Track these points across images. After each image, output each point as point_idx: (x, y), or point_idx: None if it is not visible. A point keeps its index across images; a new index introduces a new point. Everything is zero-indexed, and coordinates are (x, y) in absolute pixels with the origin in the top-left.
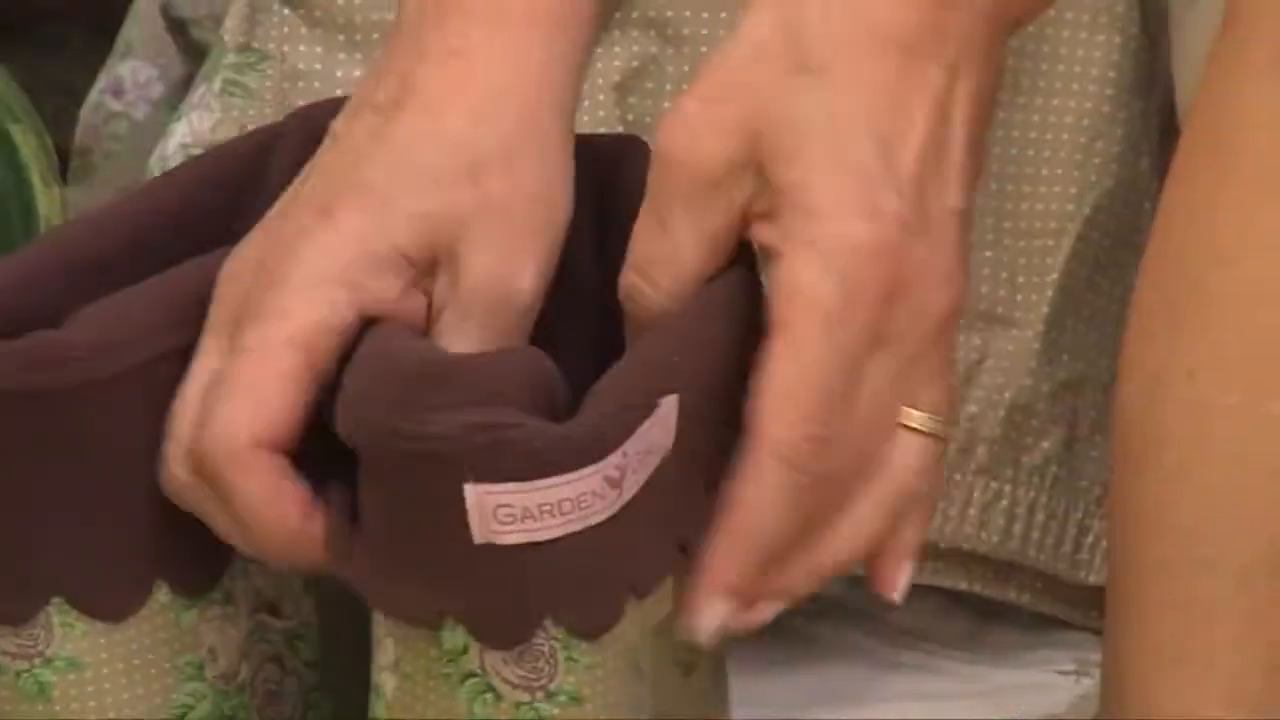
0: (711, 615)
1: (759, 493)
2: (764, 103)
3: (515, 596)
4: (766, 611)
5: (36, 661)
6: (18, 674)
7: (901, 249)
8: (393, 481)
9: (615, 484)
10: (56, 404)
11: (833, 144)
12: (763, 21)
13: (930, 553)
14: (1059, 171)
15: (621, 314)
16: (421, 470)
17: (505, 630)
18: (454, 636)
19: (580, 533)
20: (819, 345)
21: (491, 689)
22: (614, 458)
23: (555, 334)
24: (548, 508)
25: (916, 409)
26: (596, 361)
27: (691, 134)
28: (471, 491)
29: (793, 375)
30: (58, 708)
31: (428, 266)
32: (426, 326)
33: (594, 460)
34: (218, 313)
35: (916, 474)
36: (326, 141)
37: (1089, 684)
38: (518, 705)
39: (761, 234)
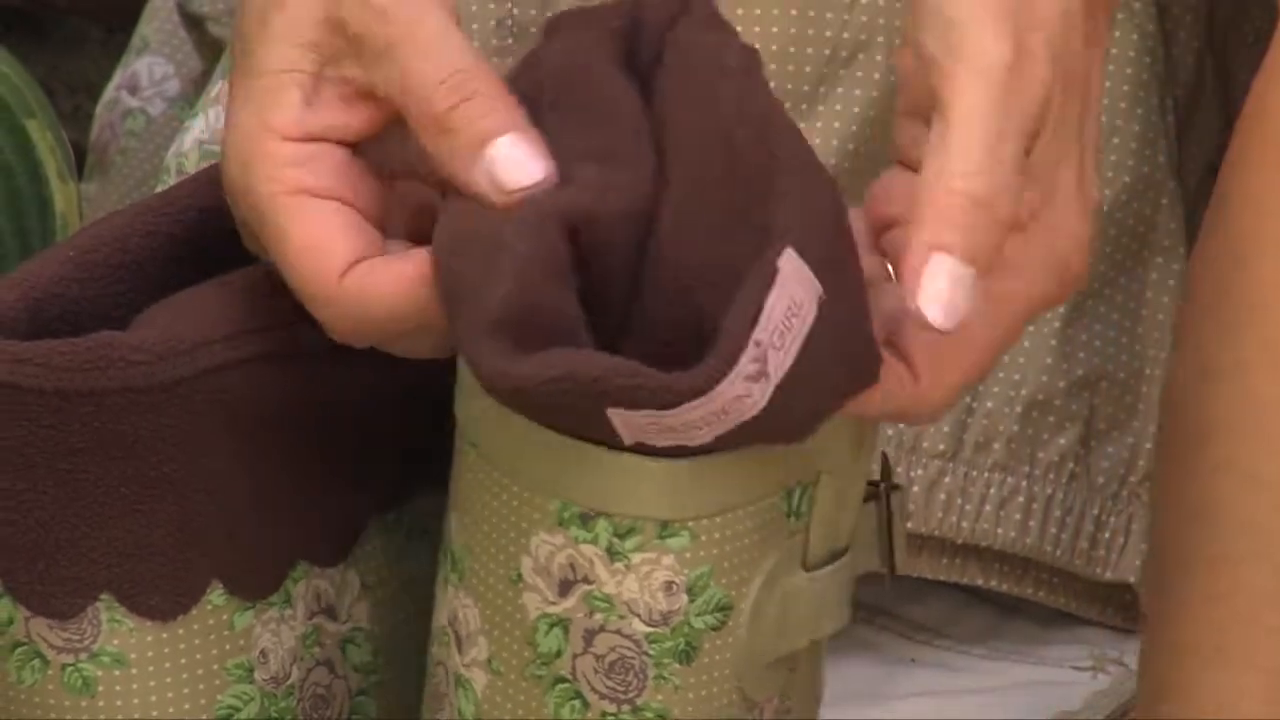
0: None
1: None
2: None
3: None
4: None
5: (82, 656)
6: (63, 667)
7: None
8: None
9: (758, 376)
10: (118, 404)
11: None
12: None
13: (946, 548)
14: None
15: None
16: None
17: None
18: (548, 639)
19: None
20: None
21: (579, 696)
22: (744, 359)
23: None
24: (693, 423)
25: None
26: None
27: None
28: (616, 414)
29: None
30: (101, 704)
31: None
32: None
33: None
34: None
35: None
36: None
37: (1105, 680)
38: (604, 715)
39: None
